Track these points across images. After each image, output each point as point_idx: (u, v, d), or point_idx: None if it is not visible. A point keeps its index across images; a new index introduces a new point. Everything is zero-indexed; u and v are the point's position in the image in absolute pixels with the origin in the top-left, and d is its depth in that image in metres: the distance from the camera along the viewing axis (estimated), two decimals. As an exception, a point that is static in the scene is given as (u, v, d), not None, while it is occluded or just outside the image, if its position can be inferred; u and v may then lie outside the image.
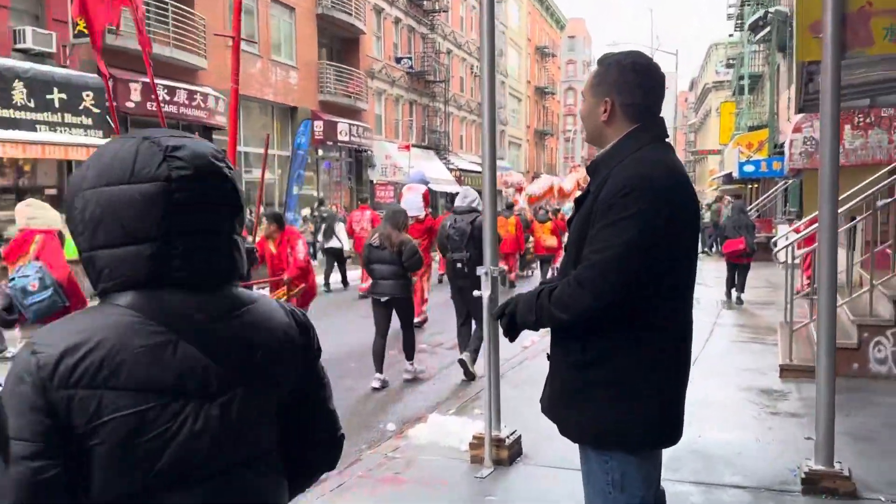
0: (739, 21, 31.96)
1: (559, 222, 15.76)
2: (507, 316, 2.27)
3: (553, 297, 2.10)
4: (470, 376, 6.87)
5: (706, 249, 24.12)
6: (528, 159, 59.34)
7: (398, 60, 32.91)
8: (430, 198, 12.03)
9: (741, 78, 31.42)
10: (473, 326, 7.03)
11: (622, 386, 2.07)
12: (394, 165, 29.33)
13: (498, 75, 48.01)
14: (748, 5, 26.52)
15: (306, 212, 19.92)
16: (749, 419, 5.24)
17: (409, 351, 7.12)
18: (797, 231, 12.46)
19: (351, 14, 27.01)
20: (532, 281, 16.80)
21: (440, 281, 14.40)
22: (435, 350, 8.85)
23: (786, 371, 6.39)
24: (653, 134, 2.15)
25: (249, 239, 6.96)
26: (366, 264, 7.03)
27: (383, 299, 6.78)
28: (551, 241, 15.40)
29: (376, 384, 6.77)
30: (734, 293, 11.69)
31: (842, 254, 6.81)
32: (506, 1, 50.43)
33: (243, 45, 7.35)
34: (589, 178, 2.26)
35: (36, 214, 5.55)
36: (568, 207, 25.61)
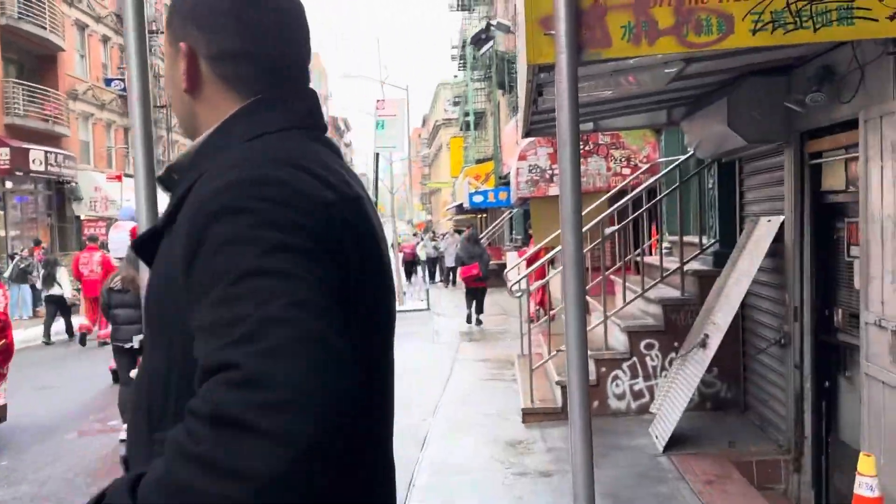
0: (462, 61, 33.67)
1: None
2: None
3: (163, 483, 0.80)
4: None
5: (443, 279, 24.78)
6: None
7: (108, 82, 29.33)
8: None
9: (466, 114, 33.04)
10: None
11: None
12: (105, 198, 25.77)
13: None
14: (469, 45, 27.89)
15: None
16: (498, 486, 4.51)
17: None
18: (520, 255, 12.78)
19: (45, 28, 23.34)
20: None
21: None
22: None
23: (528, 416, 5.88)
24: (289, 115, 1.04)
25: None
26: (106, 309, 6.57)
27: (127, 346, 6.35)
28: None
29: (124, 436, 5.55)
30: (474, 315, 12.69)
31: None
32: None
33: None
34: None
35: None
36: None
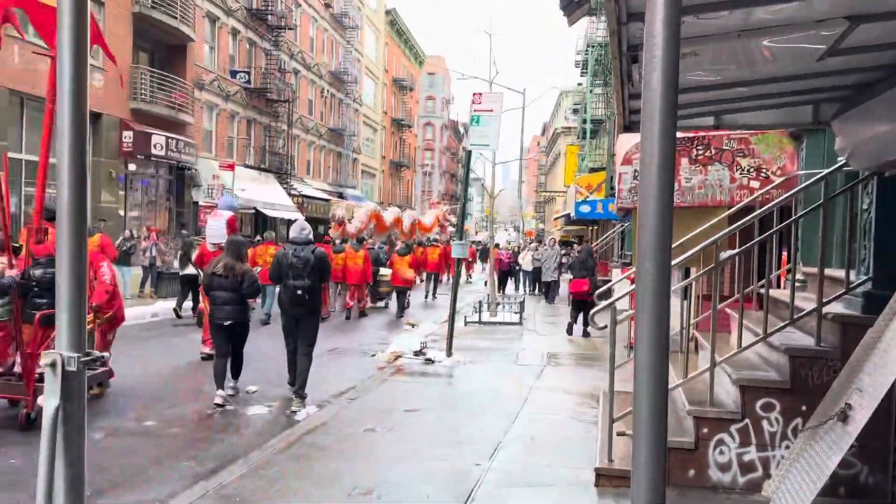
0: (584, 67, 32.26)
1: (417, 256, 17.56)
2: None
3: None
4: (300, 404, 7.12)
5: (541, 292, 23.46)
6: (384, 190, 57.91)
7: (233, 74, 30.17)
8: (266, 224, 13.04)
9: (584, 122, 31.61)
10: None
11: None
12: (222, 186, 26.40)
13: (352, 103, 46.57)
14: (592, 47, 26.55)
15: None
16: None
17: (237, 369, 7.55)
18: (629, 278, 11.48)
19: (176, 18, 24.18)
20: (387, 312, 17.14)
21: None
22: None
23: (603, 478, 4.74)
24: None
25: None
26: (207, 291, 7.50)
27: (225, 323, 7.16)
28: (409, 274, 16.69)
29: (219, 400, 7.08)
30: (578, 328, 12.85)
31: (673, 312, 5.35)
32: (361, 29, 49.08)
33: (30, 38, 6.48)
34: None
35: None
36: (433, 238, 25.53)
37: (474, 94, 9.54)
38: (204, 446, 5.75)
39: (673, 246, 5.52)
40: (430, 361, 9.59)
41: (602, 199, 16.86)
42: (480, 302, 14.76)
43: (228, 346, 7.28)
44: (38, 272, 6.31)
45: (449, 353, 9.74)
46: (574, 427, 6.29)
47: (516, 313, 14.81)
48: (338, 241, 16.81)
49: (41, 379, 6.27)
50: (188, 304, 13.87)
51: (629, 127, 4.63)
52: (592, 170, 25.41)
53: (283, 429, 6.24)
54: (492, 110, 9.39)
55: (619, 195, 6.60)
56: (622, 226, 20.57)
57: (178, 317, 13.81)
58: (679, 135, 6.64)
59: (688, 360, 5.53)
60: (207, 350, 9.30)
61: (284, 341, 7.43)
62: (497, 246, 27.80)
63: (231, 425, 6.43)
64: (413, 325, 14.23)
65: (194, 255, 13.33)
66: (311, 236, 7.54)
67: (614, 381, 5.27)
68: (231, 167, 23.28)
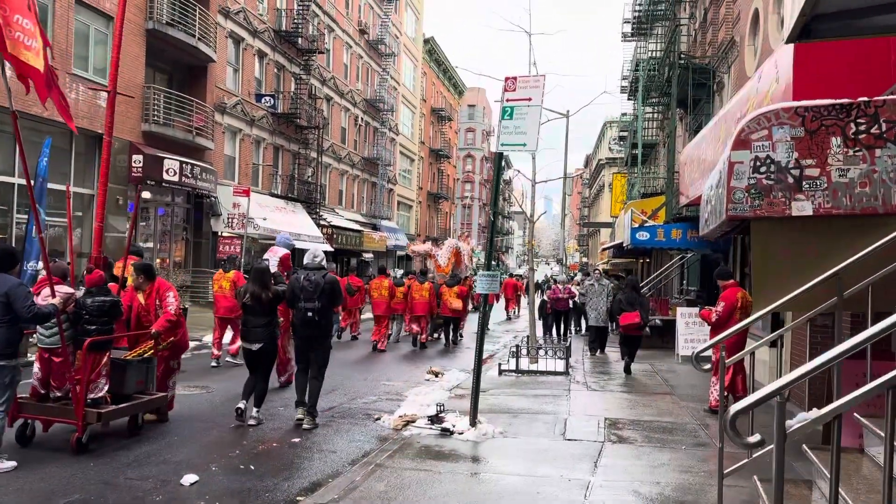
0: (633, 90, 29.92)
1: (463, 288, 17.27)
2: None
3: None
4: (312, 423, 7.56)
5: (577, 328, 21.02)
6: (420, 222, 55.96)
7: (259, 98, 28.59)
8: (295, 256, 12.58)
9: (634, 146, 29.11)
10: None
11: None
12: (242, 215, 24.51)
13: (388, 132, 44.89)
14: (642, 63, 24.17)
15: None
16: None
17: (259, 399, 7.72)
18: (705, 316, 8.86)
19: (195, 36, 22.62)
20: (437, 344, 17.27)
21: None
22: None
23: None
24: None
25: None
26: (242, 316, 7.89)
27: (254, 347, 7.58)
28: (457, 304, 16.79)
29: (252, 421, 7.56)
30: (626, 360, 12.27)
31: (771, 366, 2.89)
32: (399, 56, 47.69)
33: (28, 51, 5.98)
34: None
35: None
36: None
37: (507, 79, 7.23)
38: None
39: (823, 276, 2.40)
40: (447, 433, 7.16)
41: (662, 225, 14.33)
42: (518, 346, 12.27)
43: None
44: (88, 300, 6.48)
45: (473, 422, 7.29)
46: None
47: (561, 359, 12.29)
48: (399, 275, 18.14)
49: (93, 404, 6.35)
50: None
51: (806, 29, 2.24)
52: (645, 195, 22.84)
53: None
54: (530, 99, 7.07)
55: (727, 197, 4.17)
56: (683, 258, 17.90)
57: None
58: (825, 101, 4.20)
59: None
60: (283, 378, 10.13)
61: (296, 363, 7.92)
62: (555, 280, 25.24)
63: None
64: (436, 374, 11.80)
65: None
66: (322, 263, 7.81)
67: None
68: (246, 192, 21.35)
